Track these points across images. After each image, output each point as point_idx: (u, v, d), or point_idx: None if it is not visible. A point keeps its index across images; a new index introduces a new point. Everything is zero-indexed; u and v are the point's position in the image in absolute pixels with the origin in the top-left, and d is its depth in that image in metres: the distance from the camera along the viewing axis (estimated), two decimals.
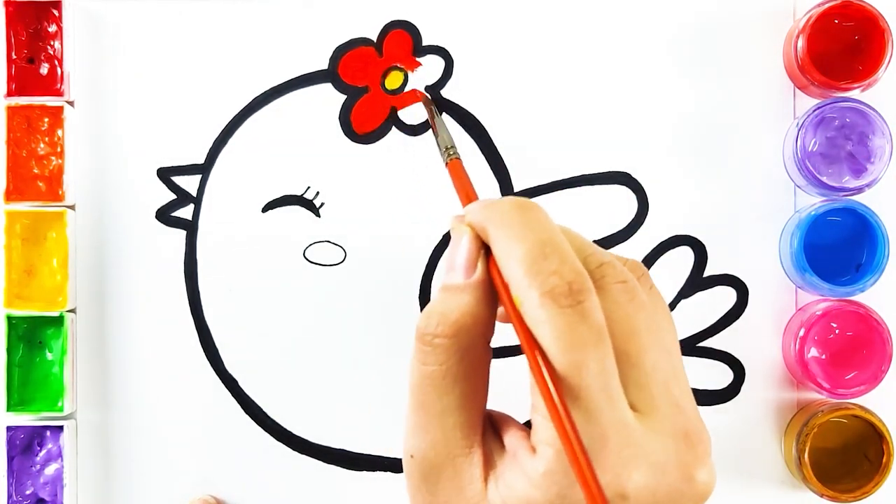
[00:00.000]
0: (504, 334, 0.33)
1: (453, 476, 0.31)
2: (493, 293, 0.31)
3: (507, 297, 0.30)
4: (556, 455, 0.29)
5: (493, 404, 0.33)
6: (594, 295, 0.29)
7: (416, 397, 0.31)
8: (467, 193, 0.38)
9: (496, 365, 0.32)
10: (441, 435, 0.31)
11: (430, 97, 0.48)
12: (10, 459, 0.48)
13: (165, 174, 0.50)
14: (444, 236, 0.49)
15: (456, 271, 0.32)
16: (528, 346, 0.29)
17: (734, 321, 0.49)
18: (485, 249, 0.32)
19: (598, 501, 0.27)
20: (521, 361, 0.30)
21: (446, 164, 0.41)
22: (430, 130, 0.46)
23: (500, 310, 0.32)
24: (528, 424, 0.31)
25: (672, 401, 0.30)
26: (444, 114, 0.49)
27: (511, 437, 0.31)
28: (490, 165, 0.49)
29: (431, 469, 0.31)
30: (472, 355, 0.31)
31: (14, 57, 0.49)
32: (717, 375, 0.49)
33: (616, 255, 0.33)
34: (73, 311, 0.49)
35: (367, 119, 0.49)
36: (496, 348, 0.32)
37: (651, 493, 0.29)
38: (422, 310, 0.49)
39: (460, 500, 0.31)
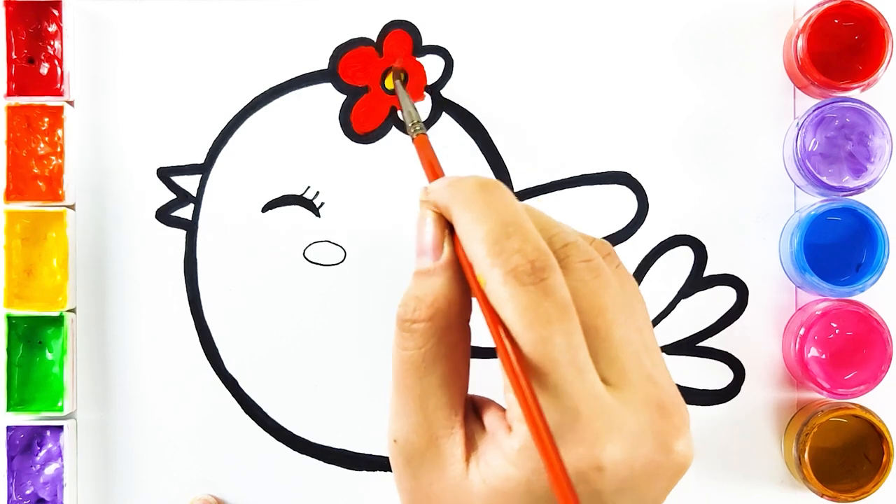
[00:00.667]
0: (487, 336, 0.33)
1: (436, 457, 0.31)
2: (464, 273, 0.32)
3: (471, 275, 0.30)
4: (529, 431, 0.29)
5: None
6: (558, 272, 0.29)
7: (397, 382, 0.32)
8: (433, 169, 0.38)
9: (482, 366, 0.33)
10: (423, 417, 0.31)
11: (400, 72, 0.48)
12: (10, 459, 0.48)
13: (165, 174, 0.50)
14: None
15: (425, 255, 0.32)
16: (493, 324, 0.29)
17: (734, 321, 0.49)
18: (450, 228, 0.32)
19: (559, 475, 0.27)
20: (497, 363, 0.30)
21: (412, 139, 0.41)
22: (397, 101, 0.45)
23: None
24: None
25: (644, 373, 0.30)
26: (443, 113, 0.49)
27: (490, 417, 0.31)
28: (490, 165, 0.49)
29: (414, 452, 0.31)
30: (450, 336, 0.31)
31: (14, 57, 0.49)
32: (717, 375, 0.49)
33: (582, 234, 0.33)
34: (73, 311, 0.49)
35: (367, 119, 0.49)
36: (482, 349, 0.32)
37: (627, 466, 0.29)
38: None
39: (443, 481, 0.31)
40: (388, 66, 0.49)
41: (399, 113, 0.44)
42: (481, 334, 0.32)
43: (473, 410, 0.32)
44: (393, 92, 0.49)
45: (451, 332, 0.31)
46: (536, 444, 0.28)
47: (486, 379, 0.34)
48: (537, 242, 0.30)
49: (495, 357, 0.44)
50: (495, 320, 0.29)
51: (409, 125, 0.42)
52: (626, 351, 0.30)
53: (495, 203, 0.31)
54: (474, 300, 0.32)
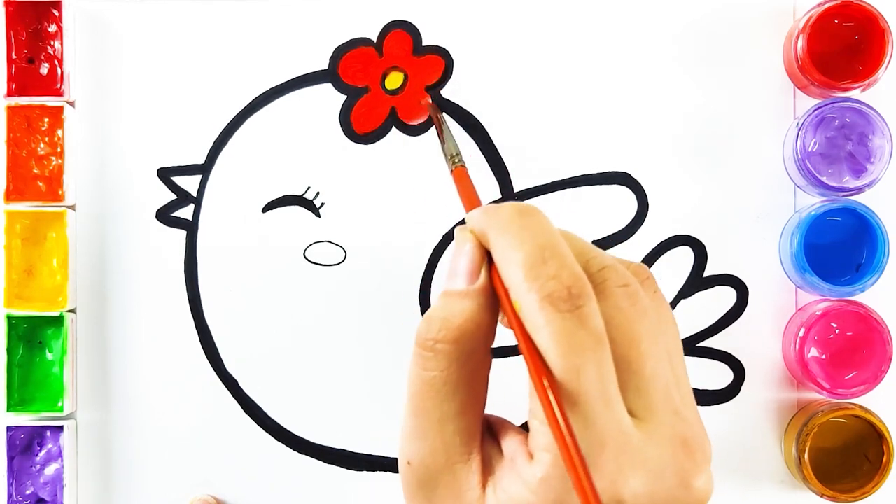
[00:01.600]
0: (501, 333, 0.33)
1: (451, 483, 0.31)
2: (495, 300, 0.31)
3: (507, 301, 0.30)
4: (554, 461, 0.29)
5: (489, 404, 0.33)
6: (594, 300, 0.29)
7: (415, 403, 0.31)
8: (471, 200, 0.38)
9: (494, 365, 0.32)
10: (440, 442, 0.31)
11: (436, 105, 0.48)
12: (10, 459, 0.48)
13: (165, 174, 0.50)
14: (443, 236, 0.49)
15: (458, 277, 0.32)
16: (528, 350, 0.29)
17: (734, 321, 0.49)
18: (488, 257, 0.32)
19: None
20: (516, 362, 0.30)
21: (451, 171, 0.41)
22: (437, 134, 0.46)
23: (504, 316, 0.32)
24: (525, 427, 0.31)
25: (671, 408, 0.30)
26: (443, 113, 0.49)
27: (509, 443, 0.31)
28: (490, 165, 0.49)
29: (430, 476, 0.31)
30: (473, 361, 0.31)
31: (14, 57, 0.49)
32: (717, 375, 0.49)
33: (620, 259, 0.32)
34: (73, 311, 0.49)
35: (367, 119, 0.49)
36: (494, 348, 0.32)
37: (648, 500, 0.29)
38: (422, 310, 0.49)
39: None
40: (388, 67, 0.49)
41: (441, 147, 0.44)
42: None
43: (489, 432, 0.32)
44: (394, 92, 0.49)
45: (474, 358, 0.31)
46: (570, 474, 0.27)
47: (500, 379, 0.34)
48: (574, 268, 0.29)
49: (506, 356, 0.44)
50: (530, 347, 0.29)
51: (448, 158, 0.42)
52: (656, 385, 0.30)
53: (532, 227, 0.30)
54: (499, 328, 0.32)
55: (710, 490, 0.30)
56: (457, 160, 0.42)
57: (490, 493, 0.30)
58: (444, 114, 0.48)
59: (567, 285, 0.29)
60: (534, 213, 0.31)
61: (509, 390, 0.33)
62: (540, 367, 0.29)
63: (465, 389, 0.31)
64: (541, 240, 0.30)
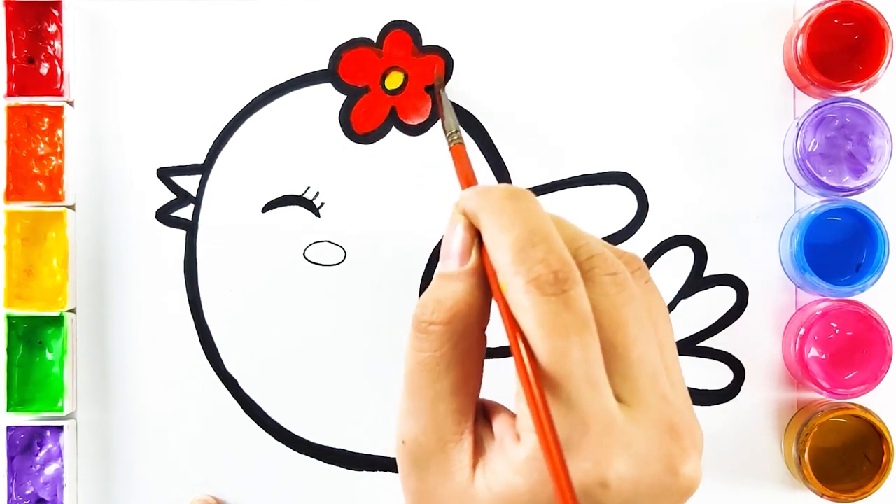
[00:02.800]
0: (501, 334, 0.33)
1: (443, 462, 0.31)
2: (487, 281, 0.31)
3: (494, 283, 0.30)
4: (539, 442, 0.29)
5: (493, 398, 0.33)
6: (580, 285, 0.29)
7: (409, 383, 0.32)
8: (467, 178, 0.38)
9: (493, 366, 0.33)
10: (433, 421, 0.31)
11: (442, 79, 0.48)
12: (10, 459, 0.48)
13: (165, 174, 0.50)
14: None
15: (451, 259, 0.32)
16: (511, 331, 0.29)
17: (734, 321, 0.49)
18: (479, 237, 0.32)
19: (565, 491, 0.27)
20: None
21: (450, 148, 0.41)
22: (437, 110, 0.46)
23: None
24: None
25: (659, 393, 0.30)
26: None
27: (499, 425, 0.31)
28: (490, 165, 0.49)
29: (422, 455, 0.31)
30: (466, 342, 0.31)
31: (14, 57, 0.49)
32: (717, 375, 0.49)
33: (613, 248, 0.33)
34: (73, 311, 0.49)
35: (367, 119, 0.49)
36: (494, 348, 0.32)
37: (633, 484, 0.29)
38: None
39: (448, 487, 0.31)
40: (388, 66, 0.49)
41: (441, 123, 0.44)
42: (492, 335, 0.32)
43: (483, 415, 0.32)
44: (394, 92, 0.49)
45: (467, 338, 0.31)
46: (545, 456, 0.28)
47: (497, 380, 0.34)
48: (562, 253, 0.29)
49: (505, 357, 0.44)
50: (514, 328, 0.29)
51: (447, 134, 0.42)
52: (643, 369, 0.30)
53: (523, 212, 0.31)
54: (493, 310, 0.32)
55: (699, 478, 0.30)
56: (455, 137, 0.42)
57: (479, 474, 0.30)
58: (445, 90, 0.48)
59: (554, 270, 0.29)
60: (525, 197, 0.31)
61: (501, 392, 0.33)
62: (520, 349, 0.29)
63: (457, 369, 0.31)
64: (531, 224, 0.30)
